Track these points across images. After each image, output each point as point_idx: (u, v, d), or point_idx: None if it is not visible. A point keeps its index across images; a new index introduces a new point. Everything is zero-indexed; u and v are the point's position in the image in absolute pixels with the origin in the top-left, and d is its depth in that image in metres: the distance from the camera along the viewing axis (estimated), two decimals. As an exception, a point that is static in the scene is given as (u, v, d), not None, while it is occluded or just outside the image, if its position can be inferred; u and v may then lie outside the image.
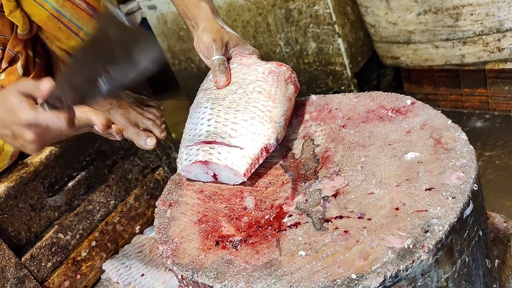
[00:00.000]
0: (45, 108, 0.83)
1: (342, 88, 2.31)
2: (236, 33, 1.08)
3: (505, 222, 1.03)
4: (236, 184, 0.88)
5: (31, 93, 0.83)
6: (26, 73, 1.20)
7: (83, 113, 0.95)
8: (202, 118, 0.93)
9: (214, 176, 0.89)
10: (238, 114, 0.89)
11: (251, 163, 0.85)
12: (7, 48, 1.15)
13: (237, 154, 0.85)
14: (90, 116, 0.96)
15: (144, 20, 3.41)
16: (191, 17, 1.09)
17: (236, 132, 0.87)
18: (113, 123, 1.02)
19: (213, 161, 0.86)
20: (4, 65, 1.17)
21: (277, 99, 0.92)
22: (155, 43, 0.78)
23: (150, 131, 1.24)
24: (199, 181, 0.93)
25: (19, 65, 1.18)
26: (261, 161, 0.86)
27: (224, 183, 0.90)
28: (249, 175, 0.85)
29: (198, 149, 0.89)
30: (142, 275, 1.36)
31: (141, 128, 1.23)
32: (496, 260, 0.91)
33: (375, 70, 2.38)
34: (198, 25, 1.05)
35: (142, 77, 0.81)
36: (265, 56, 2.42)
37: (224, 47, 1.02)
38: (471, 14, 1.75)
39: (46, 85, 0.82)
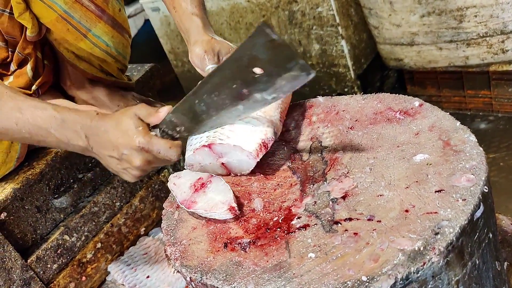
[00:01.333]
0: (158, 134, 0.82)
1: (345, 90, 2.31)
2: (228, 41, 1.09)
3: (512, 224, 1.02)
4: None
5: (146, 118, 0.83)
6: (35, 76, 1.20)
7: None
8: (200, 143, 0.91)
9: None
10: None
11: (257, 148, 0.85)
12: (16, 51, 1.15)
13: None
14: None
15: (147, 21, 3.42)
16: (184, 30, 1.09)
17: (233, 133, 0.87)
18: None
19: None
20: (13, 67, 1.17)
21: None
22: (306, 67, 0.72)
23: None
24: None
25: (28, 68, 1.18)
26: (260, 155, 0.86)
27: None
28: (260, 157, 0.86)
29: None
30: (148, 276, 1.36)
31: None
32: (505, 263, 0.91)
33: (379, 72, 2.38)
34: (190, 39, 1.06)
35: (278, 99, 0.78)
36: (268, 58, 2.42)
37: (216, 56, 1.02)
38: (475, 16, 1.75)
39: (164, 110, 0.82)
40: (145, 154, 0.82)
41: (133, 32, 3.57)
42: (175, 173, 0.93)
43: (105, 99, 1.27)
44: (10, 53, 1.16)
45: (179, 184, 0.90)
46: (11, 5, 1.08)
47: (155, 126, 0.84)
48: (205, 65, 1.01)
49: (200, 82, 0.81)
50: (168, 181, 0.92)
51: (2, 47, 1.14)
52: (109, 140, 0.83)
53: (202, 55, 1.02)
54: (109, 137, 0.83)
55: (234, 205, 0.81)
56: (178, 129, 0.84)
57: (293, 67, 0.71)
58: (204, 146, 0.87)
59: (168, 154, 0.82)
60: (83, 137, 0.86)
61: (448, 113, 0.84)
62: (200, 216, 0.84)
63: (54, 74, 1.30)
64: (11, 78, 1.19)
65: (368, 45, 2.27)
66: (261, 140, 0.86)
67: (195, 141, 0.90)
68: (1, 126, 0.91)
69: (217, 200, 0.82)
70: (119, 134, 0.82)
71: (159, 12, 2.73)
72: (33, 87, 1.21)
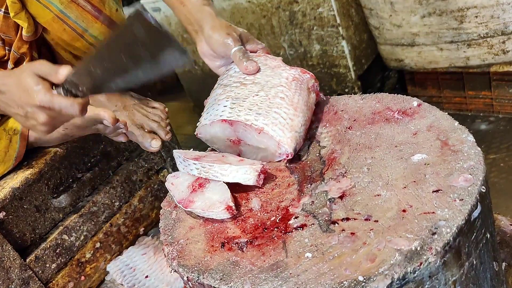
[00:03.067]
0: (60, 92, 0.84)
1: (346, 90, 2.31)
2: None
3: (511, 224, 1.02)
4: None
5: (47, 76, 0.84)
6: None
7: (91, 108, 0.95)
8: (221, 116, 0.92)
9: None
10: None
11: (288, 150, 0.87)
12: (12, 50, 1.15)
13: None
14: (99, 111, 0.97)
15: (136, 11, 3.42)
16: (194, 21, 1.07)
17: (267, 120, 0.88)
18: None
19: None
20: (10, 66, 1.17)
21: (299, 107, 0.90)
22: (181, 47, 0.79)
23: (155, 133, 1.24)
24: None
25: None
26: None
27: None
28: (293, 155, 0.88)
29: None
30: (146, 276, 1.36)
31: (146, 130, 1.23)
32: (503, 263, 0.91)
33: (379, 73, 2.37)
34: (203, 27, 1.04)
35: (161, 78, 0.83)
36: (269, 58, 2.42)
37: (239, 38, 1.01)
38: (476, 17, 1.74)
39: (64, 70, 0.83)
40: (47, 111, 0.83)
41: (134, 32, 3.55)
42: (173, 173, 0.94)
43: (102, 98, 1.27)
44: (7, 51, 1.16)
45: (177, 184, 0.90)
46: (6, 5, 1.08)
47: (58, 85, 0.86)
48: (230, 47, 1.00)
49: (96, 48, 0.88)
50: (167, 181, 0.93)
51: None
52: (12, 99, 0.85)
53: (225, 39, 1.00)
54: (12, 96, 0.85)
55: (232, 204, 0.81)
56: (80, 88, 0.85)
57: (172, 48, 0.78)
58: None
59: (71, 111, 0.83)
60: None
61: (449, 114, 0.84)
62: (198, 216, 0.84)
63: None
64: None
65: (369, 46, 2.27)
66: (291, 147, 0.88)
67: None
68: None
69: (215, 200, 0.82)
70: (20, 92, 0.83)
71: (160, 12, 2.73)
72: None
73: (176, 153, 0.92)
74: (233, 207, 0.80)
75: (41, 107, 0.82)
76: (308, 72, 0.97)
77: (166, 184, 0.92)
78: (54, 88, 0.85)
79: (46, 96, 0.82)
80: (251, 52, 1.02)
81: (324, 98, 1.03)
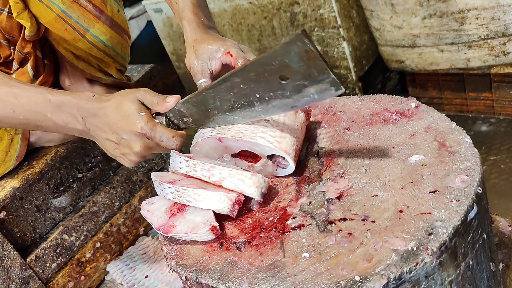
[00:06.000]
0: (163, 122, 0.81)
1: (347, 91, 2.31)
2: (233, 39, 1.02)
3: (510, 226, 1.02)
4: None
5: (151, 104, 0.81)
6: (36, 75, 1.21)
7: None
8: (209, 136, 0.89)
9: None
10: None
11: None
12: (16, 50, 1.16)
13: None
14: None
15: (149, 23, 3.43)
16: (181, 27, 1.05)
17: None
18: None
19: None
20: (15, 66, 1.18)
21: (286, 128, 0.85)
22: (335, 80, 0.68)
23: None
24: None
25: (29, 67, 1.19)
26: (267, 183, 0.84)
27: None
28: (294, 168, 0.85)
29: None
30: (146, 276, 1.36)
31: None
32: (501, 264, 0.91)
33: (380, 74, 2.38)
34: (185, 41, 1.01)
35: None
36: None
37: (206, 68, 0.96)
38: (477, 18, 1.74)
39: (172, 99, 0.80)
40: (146, 140, 0.80)
41: (136, 33, 3.58)
42: (147, 199, 0.89)
43: (98, 90, 1.27)
44: (12, 51, 1.17)
45: (153, 210, 0.85)
46: (9, 5, 1.09)
47: (160, 114, 0.83)
48: (197, 79, 0.97)
49: (220, 78, 0.78)
50: (142, 208, 0.88)
51: (4, 45, 1.15)
52: (107, 123, 0.82)
53: (189, 68, 0.97)
54: (108, 120, 0.81)
55: (216, 224, 0.77)
56: (185, 119, 0.82)
57: (322, 80, 0.68)
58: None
59: (170, 143, 0.81)
60: (80, 120, 0.85)
61: (450, 115, 0.84)
62: None
63: (54, 74, 1.31)
64: (14, 76, 1.20)
65: (370, 47, 2.27)
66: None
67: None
68: None
69: (198, 221, 0.78)
70: (119, 117, 0.80)
71: (161, 14, 2.74)
72: None
73: (154, 176, 0.85)
74: (218, 227, 0.77)
75: (140, 135, 0.79)
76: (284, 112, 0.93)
77: (141, 212, 0.87)
78: (155, 117, 0.82)
79: (148, 125, 0.79)
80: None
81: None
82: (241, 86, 0.76)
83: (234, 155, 0.90)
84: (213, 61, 0.94)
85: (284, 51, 0.67)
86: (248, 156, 0.89)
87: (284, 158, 0.84)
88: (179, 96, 0.83)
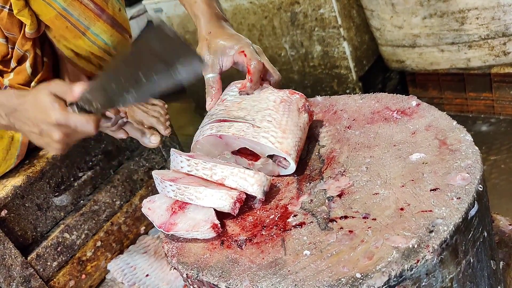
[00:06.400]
0: (75, 110, 0.85)
1: (347, 91, 2.31)
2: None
3: (510, 225, 1.02)
4: None
5: (62, 94, 0.85)
6: (34, 73, 1.21)
7: None
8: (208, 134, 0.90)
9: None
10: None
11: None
12: (15, 47, 1.16)
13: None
14: None
15: (150, 23, 3.43)
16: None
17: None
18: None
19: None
20: (13, 64, 1.18)
21: (288, 129, 0.85)
22: (198, 55, 0.78)
23: (155, 129, 1.25)
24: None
25: (27, 64, 1.19)
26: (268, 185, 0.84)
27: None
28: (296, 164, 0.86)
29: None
30: (147, 275, 1.37)
31: (145, 126, 1.24)
32: (501, 263, 0.91)
33: (380, 74, 2.38)
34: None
35: (176, 89, 0.81)
36: (270, 59, 2.42)
37: (216, 61, 0.98)
38: (477, 18, 1.75)
39: (78, 87, 0.84)
40: (63, 128, 0.84)
41: (136, 33, 3.57)
42: (148, 197, 0.89)
43: None
44: (10, 50, 1.17)
45: (154, 208, 0.85)
46: (10, 2, 1.09)
47: (72, 103, 0.86)
48: (205, 73, 0.99)
49: (109, 63, 0.84)
50: (143, 206, 0.89)
51: (2, 44, 1.16)
52: (27, 117, 0.86)
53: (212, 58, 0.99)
54: (28, 114, 0.86)
55: (217, 222, 0.77)
56: (94, 104, 0.86)
57: (188, 57, 0.76)
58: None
59: (85, 128, 0.84)
60: (4, 116, 0.90)
61: (450, 115, 0.85)
62: None
63: (53, 72, 1.31)
64: (11, 75, 1.20)
65: (370, 47, 2.27)
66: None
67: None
68: None
69: (199, 219, 0.78)
70: (36, 111, 0.85)
71: (161, 13, 2.74)
72: (32, 84, 1.22)
73: (155, 174, 0.87)
74: (219, 225, 0.77)
75: (56, 125, 0.83)
76: (297, 92, 0.94)
77: (142, 209, 0.87)
78: (68, 106, 0.85)
79: (61, 114, 0.83)
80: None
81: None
82: (126, 68, 0.83)
83: (234, 153, 0.90)
84: (225, 57, 0.96)
85: (145, 39, 0.79)
86: (248, 154, 0.89)
87: (285, 158, 0.85)
88: (84, 83, 0.86)
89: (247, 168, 0.82)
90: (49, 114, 0.83)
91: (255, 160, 0.88)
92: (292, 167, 0.85)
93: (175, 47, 0.77)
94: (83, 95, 0.84)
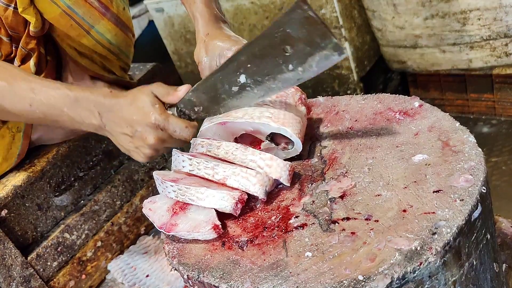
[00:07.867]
0: (174, 113, 0.82)
1: (348, 92, 2.30)
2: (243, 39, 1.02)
3: (512, 226, 1.02)
4: None
5: (163, 97, 0.83)
6: (38, 71, 1.21)
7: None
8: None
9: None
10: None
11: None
12: (20, 46, 1.16)
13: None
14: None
15: (151, 22, 3.43)
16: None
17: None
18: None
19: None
20: (16, 63, 1.18)
21: (287, 122, 0.85)
22: (338, 44, 0.69)
23: None
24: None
25: (32, 63, 1.19)
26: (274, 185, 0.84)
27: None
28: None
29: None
30: (147, 275, 1.36)
31: None
32: (504, 265, 0.90)
33: (382, 74, 2.37)
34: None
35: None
36: (271, 59, 2.42)
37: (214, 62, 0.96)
38: (479, 19, 1.74)
39: (183, 88, 0.82)
40: (159, 132, 0.81)
41: (137, 32, 3.58)
42: (149, 198, 0.89)
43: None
44: (14, 48, 1.17)
45: (155, 209, 0.84)
46: (15, 0, 1.09)
47: (172, 106, 0.83)
48: (203, 75, 0.97)
49: (226, 60, 0.79)
50: (143, 207, 0.88)
51: (6, 42, 1.15)
52: (123, 117, 0.83)
53: (197, 63, 0.98)
54: (123, 114, 0.83)
55: (218, 223, 0.77)
56: (196, 109, 0.83)
57: (325, 46, 0.69)
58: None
59: (183, 134, 0.82)
60: (97, 115, 0.86)
61: (451, 116, 0.84)
62: None
63: (57, 71, 1.31)
64: None
65: (371, 48, 2.27)
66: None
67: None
68: (15, 108, 0.91)
69: (200, 220, 0.78)
70: (134, 110, 0.82)
71: (163, 13, 2.74)
72: None
73: (156, 174, 0.85)
74: (220, 226, 0.77)
75: (154, 127, 0.81)
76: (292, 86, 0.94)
77: (143, 210, 0.86)
78: (167, 108, 0.83)
79: (162, 116, 0.80)
80: None
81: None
82: (247, 65, 0.77)
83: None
84: (223, 59, 0.95)
85: (285, 21, 0.68)
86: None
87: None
88: (189, 85, 0.83)
89: (250, 168, 0.81)
90: (148, 114, 0.80)
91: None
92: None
93: (315, 34, 0.69)
94: (186, 97, 0.81)
